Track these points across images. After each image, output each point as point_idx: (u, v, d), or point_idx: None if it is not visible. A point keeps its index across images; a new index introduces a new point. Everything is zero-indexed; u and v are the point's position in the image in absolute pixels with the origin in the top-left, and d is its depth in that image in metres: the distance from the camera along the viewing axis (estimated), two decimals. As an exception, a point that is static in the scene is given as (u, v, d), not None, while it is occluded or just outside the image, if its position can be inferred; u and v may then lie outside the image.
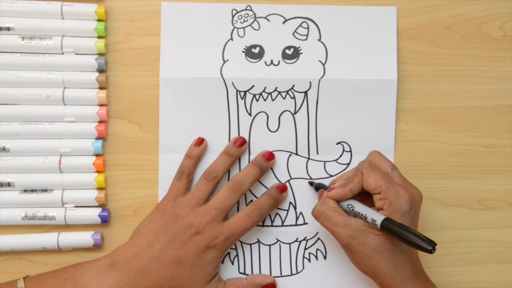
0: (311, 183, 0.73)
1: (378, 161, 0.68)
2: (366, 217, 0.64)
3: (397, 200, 0.64)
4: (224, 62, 0.72)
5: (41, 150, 0.71)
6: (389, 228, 0.62)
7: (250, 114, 0.73)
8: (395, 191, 0.64)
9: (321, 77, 0.72)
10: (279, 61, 0.72)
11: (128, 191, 0.73)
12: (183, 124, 0.72)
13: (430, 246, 0.60)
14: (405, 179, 0.67)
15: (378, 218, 0.63)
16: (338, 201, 0.67)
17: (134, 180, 0.73)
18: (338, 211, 0.66)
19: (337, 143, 0.73)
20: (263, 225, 0.73)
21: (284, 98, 0.72)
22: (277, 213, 0.73)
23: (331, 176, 0.73)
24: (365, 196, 0.67)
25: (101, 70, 0.71)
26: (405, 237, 0.61)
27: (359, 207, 0.65)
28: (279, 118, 0.73)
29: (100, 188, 0.72)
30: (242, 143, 0.72)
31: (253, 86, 0.72)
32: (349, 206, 0.66)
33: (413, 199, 0.65)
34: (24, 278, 0.67)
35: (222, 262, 0.73)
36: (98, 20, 0.71)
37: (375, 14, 0.73)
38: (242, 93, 0.72)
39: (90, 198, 0.71)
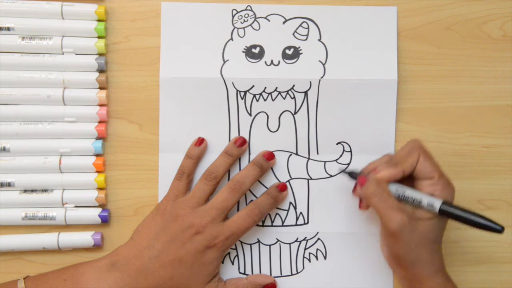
0: (345, 171, 0.70)
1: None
2: (421, 201, 0.62)
3: (447, 189, 0.64)
4: (224, 62, 0.72)
5: (41, 150, 0.71)
6: (450, 211, 0.61)
7: (250, 114, 0.73)
8: (447, 180, 0.64)
9: (321, 77, 0.72)
10: (279, 61, 0.72)
11: (128, 191, 0.73)
12: (183, 124, 0.72)
13: (499, 226, 0.58)
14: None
15: (436, 201, 0.61)
16: (387, 183, 0.65)
17: (134, 180, 0.73)
18: (391, 194, 0.64)
19: (337, 143, 0.73)
20: (263, 225, 0.73)
21: (284, 98, 0.72)
22: (277, 213, 0.73)
23: (331, 176, 0.73)
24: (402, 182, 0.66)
25: (101, 70, 0.71)
26: (471, 219, 0.60)
27: (411, 192, 0.64)
28: (279, 118, 0.73)
29: (100, 188, 0.72)
30: (242, 143, 0.72)
31: (253, 86, 0.72)
32: (398, 190, 0.64)
33: (454, 192, 0.65)
34: (24, 278, 0.67)
35: (222, 262, 0.73)
36: (98, 20, 0.71)
37: (375, 14, 0.73)
38: (242, 93, 0.72)
39: (90, 198, 0.71)
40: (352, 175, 0.69)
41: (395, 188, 0.65)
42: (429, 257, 0.64)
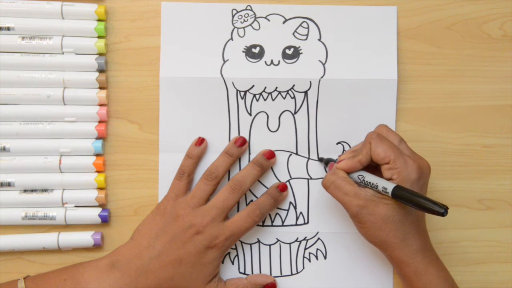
0: (320, 159, 0.72)
1: (386, 134, 0.68)
2: (377, 186, 0.64)
3: (406, 170, 0.64)
4: (224, 62, 0.72)
5: (41, 150, 0.71)
6: (400, 194, 0.62)
7: (250, 114, 0.73)
8: (404, 160, 0.65)
9: (321, 77, 0.72)
10: (279, 61, 0.72)
11: (128, 191, 0.73)
12: (183, 124, 0.72)
13: (441, 208, 0.59)
14: (413, 151, 0.67)
15: (389, 186, 0.63)
16: (348, 173, 0.67)
17: (134, 180, 0.73)
18: (348, 181, 0.66)
19: (337, 143, 0.73)
20: (263, 225, 0.73)
21: (284, 98, 0.72)
22: (277, 213, 0.73)
23: (331, 176, 0.73)
24: (372, 170, 0.67)
25: (101, 70, 0.71)
26: (416, 202, 0.61)
27: (369, 177, 0.66)
28: (279, 118, 0.73)
29: (100, 188, 0.72)
30: (242, 143, 0.72)
31: (253, 86, 0.72)
32: (360, 177, 0.66)
33: (421, 169, 0.65)
34: (24, 278, 0.67)
35: (222, 262, 0.73)
36: (98, 20, 0.71)
37: (375, 14, 0.73)
38: (242, 93, 0.72)
39: (90, 198, 0.71)
40: (326, 161, 0.72)
41: (357, 176, 0.67)
42: (398, 238, 0.65)
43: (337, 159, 0.71)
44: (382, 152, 0.65)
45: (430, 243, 0.67)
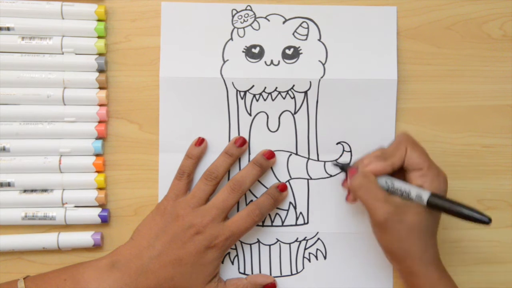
0: (336, 164, 0.71)
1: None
2: (410, 192, 0.63)
3: (437, 179, 0.64)
4: (224, 62, 0.72)
5: (41, 150, 0.71)
6: (438, 203, 0.61)
7: (250, 114, 0.73)
8: (437, 170, 0.64)
9: (321, 77, 0.72)
10: (279, 61, 0.72)
11: (128, 191, 0.73)
12: (183, 124, 0.72)
13: (486, 218, 0.58)
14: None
15: (424, 193, 0.62)
16: (376, 176, 0.66)
17: (134, 180, 0.73)
18: (378, 185, 0.65)
19: (337, 143, 0.73)
20: (263, 225, 0.73)
21: (284, 98, 0.72)
22: (277, 213, 0.73)
23: (331, 176, 0.73)
24: (395, 175, 0.66)
25: (101, 70, 0.71)
26: (458, 210, 0.60)
27: (400, 184, 0.64)
28: (279, 118, 0.73)
29: (100, 188, 0.72)
30: (242, 143, 0.72)
31: (253, 86, 0.72)
32: (388, 182, 0.65)
33: (447, 181, 0.65)
34: (24, 278, 0.67)
35: (222, 262, 0.73)
36: (98, 20, 0.71)
37: (375, 14, 0.73)
38: (242, 93, 0.72)
39: (90, 198, 0.71)
40: (344, 167, 0.70)
41: (384, 181, 0.65)
42: (420, 249, 0.64)
43: (351, 164, 0.69)
44: (418, 157, 0.64)
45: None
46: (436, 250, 0.66)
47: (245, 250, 0.74)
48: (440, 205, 0.61)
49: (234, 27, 0.72)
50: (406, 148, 0.65)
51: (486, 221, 0.58)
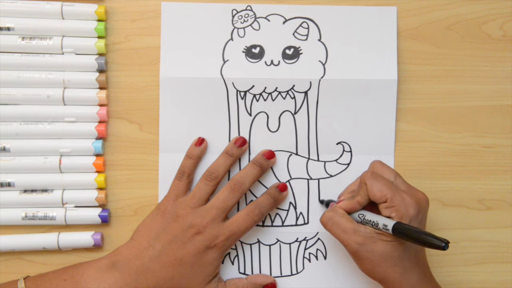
0: (321, 201, 0.73)
1: (381, 170, 0.68)
2: (378, 223, 0.64)
3: (403, 207, 0.64)
4: (224, 62, 0.72)
5: (41, 150, 0.71)
6: (400, 231, 0.62)
7: (250, 114, 0.73)
8: (401, 198, 0.65)
9: (321, 77, 0.72)
10: (279, 61, 0.72)
11: (128, 191, 0.73)
12: (183, 124, 0.72)
13: (442, 242, 0.60)
14: (409, 185, 0.67)
15: (389, 223, 0.63)
16: (349, 213, 0.68)
17: (134, 180, 0.73)
18: (346, 217, 0.67)
19: (337, 143, 0.73)
20: (263, 225, 0.73)
21: (284, 98, 0.72)
22: (277, 213, 0.73)
23: (331, 176, 0.73)
24: (373, 207, 0.67)
25: (101, 70, 0.71)
26: (417, 237, 0.61)
27: (370, 216, 0.66)
28: (279, 118, 0.73)
29: (100, 188, 0.72)
30: (242, 143, 0.72)
31: (253, 86, 0.72)
32: (360, 216, 0.67)
33: (419, 204, 0.65)
34: (24, 278, 0.67)
35: (222, 262, 0.73)
36: (98, 20, 0.71)
37: (375, 14, 0.73)
38: (242, 93, 0.72)
39: (90, 198, 0.71)
40: (327, 204, 0.72)
41: (357, 214, 0.67)
42: (398, 273, 0.65)
43: (336, 199, 0.71)
44: (378, 191, 0.65)
45: (430, 273, 0.67)
46: (421, 271, 0.66)
47: (245, 250, 0.74)
48: (404, 233, 0.63)
49: (234, 27, 0.72)
50: (365, 184, 0.66)
51: (442, 246, 0.59)
